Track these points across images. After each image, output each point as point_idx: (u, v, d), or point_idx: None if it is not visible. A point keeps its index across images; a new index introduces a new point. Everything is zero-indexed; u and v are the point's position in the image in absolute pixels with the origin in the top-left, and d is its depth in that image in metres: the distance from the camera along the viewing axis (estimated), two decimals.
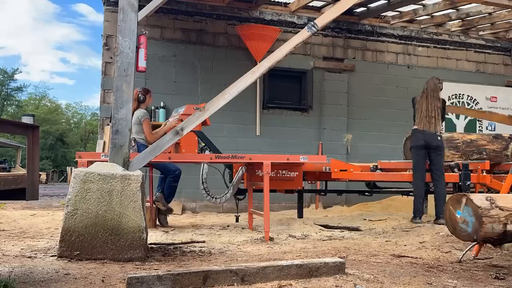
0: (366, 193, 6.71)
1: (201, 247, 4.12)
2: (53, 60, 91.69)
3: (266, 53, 7.74)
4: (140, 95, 5.86)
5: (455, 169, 6.08)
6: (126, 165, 3.69)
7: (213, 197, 5.71)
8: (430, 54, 9.39)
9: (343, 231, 5.42)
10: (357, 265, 3.25)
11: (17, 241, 4.20)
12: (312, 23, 4.67)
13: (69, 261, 3.25)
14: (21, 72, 60.52)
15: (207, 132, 5.93)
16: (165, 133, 4.70)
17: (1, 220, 5.98)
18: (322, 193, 7.00)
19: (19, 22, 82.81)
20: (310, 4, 8.33)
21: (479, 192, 6.15)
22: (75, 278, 2.72)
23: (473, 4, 8.04)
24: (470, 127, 9.41)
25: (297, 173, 5.55)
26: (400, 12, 8.78)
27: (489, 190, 6.06)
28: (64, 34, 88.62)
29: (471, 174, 5.94)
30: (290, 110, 8.50)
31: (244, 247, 4.20)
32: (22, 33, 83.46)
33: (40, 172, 9.82)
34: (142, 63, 3.88)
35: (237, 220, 5.90)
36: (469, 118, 9.43)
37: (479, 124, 9.49)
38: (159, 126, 7.13)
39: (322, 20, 4.76)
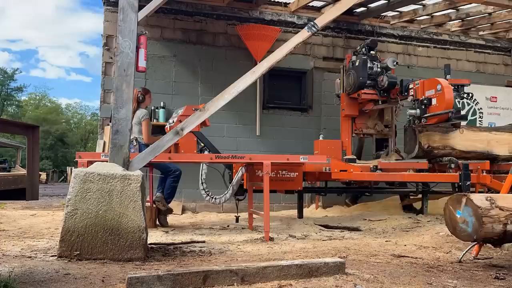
0: (366, 193, 6.72)
1: (201, 247, 4.12)
2: (72, 54, 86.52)
3: (266, 53, 7.73)
4: (139, 94, 5.88)
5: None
6: (126, 165, 3.69)
7: (212, 197, 5.71)
8: (430, 54, 9.38)
9: (343, 231, 5.42)
10: (357, 265, 3.25)
11: (17, 241, 4.20)
12: (312, 23, 4.67)
13: (69, 261, 3.26)
14: (21, 72, 59.65)
15: (207, 132, 5.93)
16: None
17: (1, 220, 5.98)
18: (322, 193, 7.00)
19: (40, 9, 76.20)
20: (310, 4, 8.32)
21: (479, 192, 6.15)
22: (75, 278, 2.72)
23: (473, 4, 8.04)
24: None
25: (297, 173, 5.55)
26: (400, 12, 8.77)
27: (489, 190, 6.06)
28: (87, 25, 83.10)
29: (471, 174, 5.94)
30: (290, 110, 8.49)
31: (244, 247, 4.20)
32: (42, 23, 76.34)
33: (40, 172, 9.81)
34: (142, 63, 3.89)
35: (237, 220, 5.91)
36: (469, 117, 9.43)
37: (479, 123, 9.48)
38: (159, 126, 7.15)
39: (322, 20, 4.77)
